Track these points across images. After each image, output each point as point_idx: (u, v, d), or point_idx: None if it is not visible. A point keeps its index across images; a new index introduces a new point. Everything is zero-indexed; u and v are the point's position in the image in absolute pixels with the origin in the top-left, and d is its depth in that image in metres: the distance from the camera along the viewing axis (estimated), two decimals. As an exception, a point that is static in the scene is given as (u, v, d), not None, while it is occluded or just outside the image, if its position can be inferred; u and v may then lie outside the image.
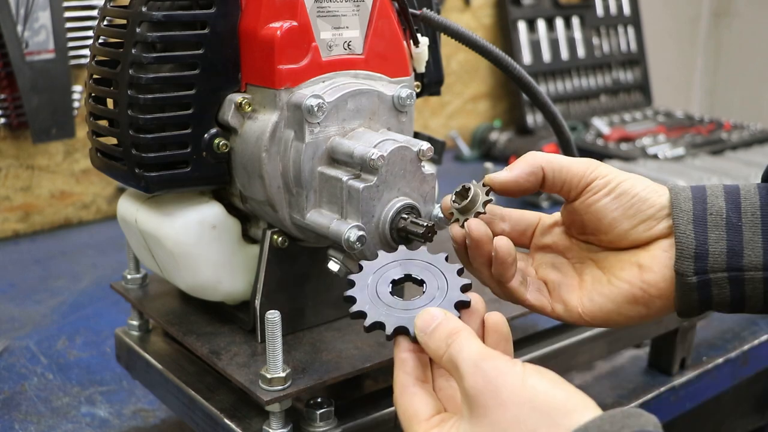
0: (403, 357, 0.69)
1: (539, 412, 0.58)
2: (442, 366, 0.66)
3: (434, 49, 1.00)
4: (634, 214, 0.75)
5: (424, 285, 0.73)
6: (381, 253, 0.76)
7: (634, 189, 0.76)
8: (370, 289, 0.72)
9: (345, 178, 0.80)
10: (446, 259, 0.74)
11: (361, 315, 0.71)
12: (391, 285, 0.73)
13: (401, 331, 0.69)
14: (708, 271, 0.72)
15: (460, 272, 0.73)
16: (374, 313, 0.70)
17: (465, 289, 0.72)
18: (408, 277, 0.74)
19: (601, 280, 0.78)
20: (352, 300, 0.72)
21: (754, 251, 0.71)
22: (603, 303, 0.77)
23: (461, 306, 0.70)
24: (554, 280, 0.81)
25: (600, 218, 0.77)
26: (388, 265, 0.74)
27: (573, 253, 0.82)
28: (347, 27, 0.87)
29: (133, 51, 0.81)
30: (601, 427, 0.55)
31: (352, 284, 0.73)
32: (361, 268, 0.74)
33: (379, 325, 0.70)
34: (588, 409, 0.58)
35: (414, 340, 0.68)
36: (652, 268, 0.75)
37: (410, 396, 0.67)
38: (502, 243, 0.76)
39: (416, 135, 0.93)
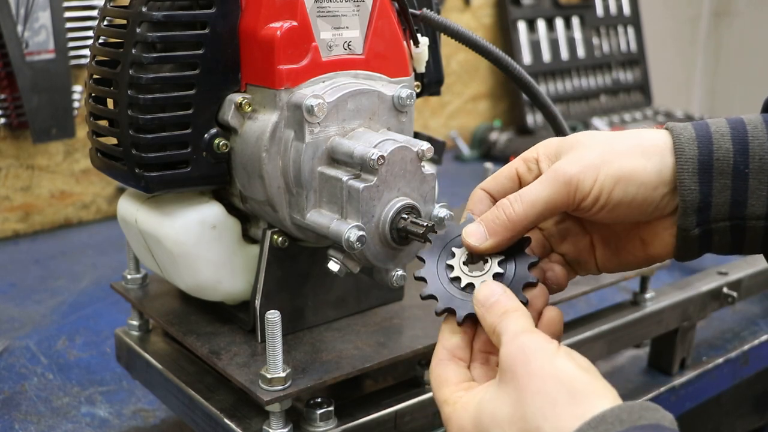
0: (447, 335, 0.72)
1: (563, 388, 0.59)
2: (492, 339, 0.68)
3: (434, 49, 1.00)
4: (635, 215, 0.73)
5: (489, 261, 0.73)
6: (450, 225, 0.76)
7: (627, 193, 0.70)
8: (439, 262, 0.74)
9: (345, 178, 0.80)
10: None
11: (431, 297, 0.73)
12: (460, 261, 0.74)
13: (450, 311, 0.72)
14: (710, 221, 0.71)
15: (527, 245, 0.74)
16: (436, 288, 0.73)
17: (531, 266, 0.72)
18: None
19: (607, 252, 0.78)
20: (422, 279, 0.74)
21: (759, 201, 0.69)
22: (612, 267, 0.79)
23: (528, 286, 0.72)
24: (570, 254, 0.80)
25: (596, 221, 0.76)
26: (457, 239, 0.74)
27: (573, 227, 0.80)
28: (347, 27, 0.87)
29: (133, 51, 0.81)
30: (619, 416, 0.56)
31: (422, 261, 0.74)
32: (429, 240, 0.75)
33: (434, 298, 0.73)
34: (608, 397, 0.59)
35: (459, 322, 0.71)
36: (655, 243, 0.75)
37: (444, 365, 0.71)
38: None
39: (416, 135, 0.93)
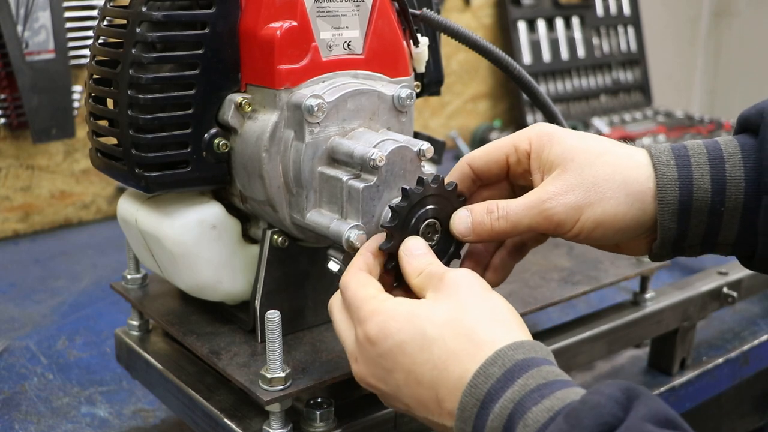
0: (367, 254, 0.77)
1: (499, 313, 0.68)
2: (412, 284, 0.74)
3: (434, 49, 1.00)
4: (610, 243, 0.78)
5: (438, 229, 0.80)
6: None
7: (605, 235, 0.75)
8: (410, 213, 0.78)
9: (345, 178, 0.80)
10: None
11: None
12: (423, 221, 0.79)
13: (388, 239, 0.78)
14: (685, 247, 0.76)
15: None
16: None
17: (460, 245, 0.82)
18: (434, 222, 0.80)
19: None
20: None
21: (730, 232, 0.74)
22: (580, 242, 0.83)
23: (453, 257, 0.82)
24: None
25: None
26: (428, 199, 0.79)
27: None
28: (347, 27, 0.87)
29: (133, 51, 0.81)
30: (534, 347, 0.65)
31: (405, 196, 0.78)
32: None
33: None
34: (528, 336, 0.68)
35: (383, 249, 0.77)
36: (627, 249, 0.80)
37: (367, 276, 0.75)
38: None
39: (416, 135, 0.93)
